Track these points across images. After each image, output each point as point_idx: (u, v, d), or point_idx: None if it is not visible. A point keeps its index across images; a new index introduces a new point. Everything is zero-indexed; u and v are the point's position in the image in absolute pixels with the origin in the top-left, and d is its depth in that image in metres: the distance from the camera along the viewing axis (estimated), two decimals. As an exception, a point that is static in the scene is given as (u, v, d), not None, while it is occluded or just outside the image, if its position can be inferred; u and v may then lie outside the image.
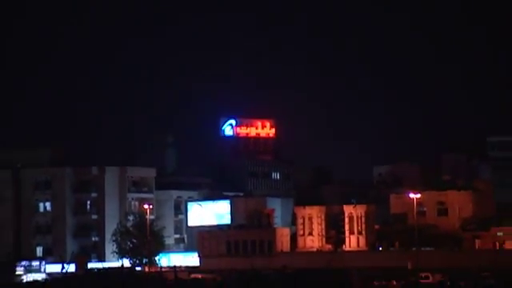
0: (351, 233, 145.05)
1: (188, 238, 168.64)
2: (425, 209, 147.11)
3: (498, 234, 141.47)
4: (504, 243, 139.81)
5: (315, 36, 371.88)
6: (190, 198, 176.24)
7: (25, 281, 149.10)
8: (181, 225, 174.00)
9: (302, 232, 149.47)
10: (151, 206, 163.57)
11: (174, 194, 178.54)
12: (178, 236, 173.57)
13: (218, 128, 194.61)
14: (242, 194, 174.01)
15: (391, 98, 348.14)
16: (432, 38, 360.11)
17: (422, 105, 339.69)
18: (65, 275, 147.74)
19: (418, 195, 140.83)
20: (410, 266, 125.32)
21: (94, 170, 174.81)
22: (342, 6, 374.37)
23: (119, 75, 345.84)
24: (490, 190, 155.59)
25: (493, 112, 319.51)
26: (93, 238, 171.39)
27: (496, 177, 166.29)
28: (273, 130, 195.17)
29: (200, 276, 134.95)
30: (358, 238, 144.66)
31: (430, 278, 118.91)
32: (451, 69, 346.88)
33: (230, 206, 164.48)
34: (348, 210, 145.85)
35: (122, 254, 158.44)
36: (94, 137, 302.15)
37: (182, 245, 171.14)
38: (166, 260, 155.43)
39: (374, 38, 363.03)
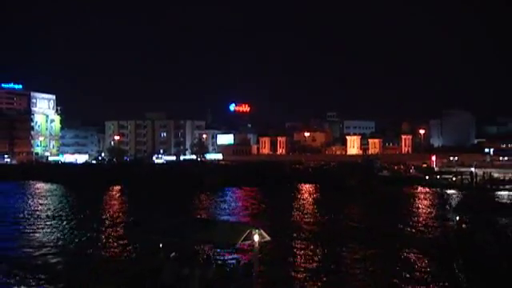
0: (280, 148, 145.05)
1: (218, 148, 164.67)
2: (306, 139, 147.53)
3: (334, 148, 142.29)
4: (336, 152, 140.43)
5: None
6: (217, 133, 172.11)
7: (155, 162, 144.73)
8: (215, 143, 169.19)
9: (262, 147, 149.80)
10: (204, 136, 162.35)
11: (212, 131, 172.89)
12: (213, 147, 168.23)
13: (228, 106, 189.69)
14: (236, 132, 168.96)
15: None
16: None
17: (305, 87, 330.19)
18: (173, 161, 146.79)
19: (308, 134, 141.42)
20: (303, 160, 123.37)
21: (182, 121, 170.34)
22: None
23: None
24: (330, 132, 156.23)
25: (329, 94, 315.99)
26: (181, 147, 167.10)
27: (331, 127, 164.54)
28: (248, 108, 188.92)
29: (224, 162, 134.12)
30: (282, 150, 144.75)
31: (312, 164, 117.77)
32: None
33: (233, 136, 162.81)
34: (279, 138, 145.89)
35: (192, 153, 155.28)
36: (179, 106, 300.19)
37: (214, 151, 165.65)
38: (209, 156, 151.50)
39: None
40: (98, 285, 22.20)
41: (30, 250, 33.36)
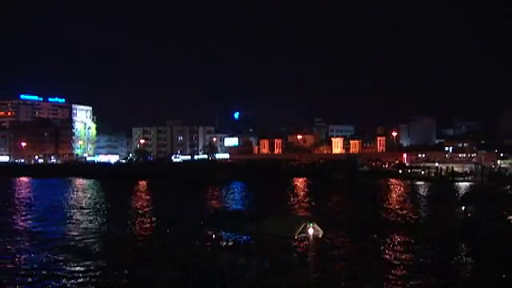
0: (277, 148, 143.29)
1: (225, 149, 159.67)
2: (299, 141, 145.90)
3: (321, 148, 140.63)
4: (323, 151, 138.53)
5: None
6: (225, 136, 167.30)
7: (174, 161, 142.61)
8: (223, 144, 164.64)
9: (261, 147, 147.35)
10: (214, 139, 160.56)
11: (220, 135, 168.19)
12: (221, 148, 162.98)
13: (233, 114, 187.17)
14: (240, 135, 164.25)
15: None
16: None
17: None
18: (188, 160, 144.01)
19: (300, 136, 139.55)
20: (297, 158, 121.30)
21: (195, 127, 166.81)
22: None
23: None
24: (318, 135, 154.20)
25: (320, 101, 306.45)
26: (195, 148, 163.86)
27: (318, 131, 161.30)
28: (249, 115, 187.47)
29: (231, 160, 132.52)
30: (279, 150, 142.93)
31: (304, 161, 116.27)
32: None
33: (238, 139, 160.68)
34: (276, 140, 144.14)
35: (204, 154, 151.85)
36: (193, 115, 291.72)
37: (222, 151, 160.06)
38: (218, 156, 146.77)
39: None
40: (157, 272, 20.45)
41: (77, 235, 32.03)
